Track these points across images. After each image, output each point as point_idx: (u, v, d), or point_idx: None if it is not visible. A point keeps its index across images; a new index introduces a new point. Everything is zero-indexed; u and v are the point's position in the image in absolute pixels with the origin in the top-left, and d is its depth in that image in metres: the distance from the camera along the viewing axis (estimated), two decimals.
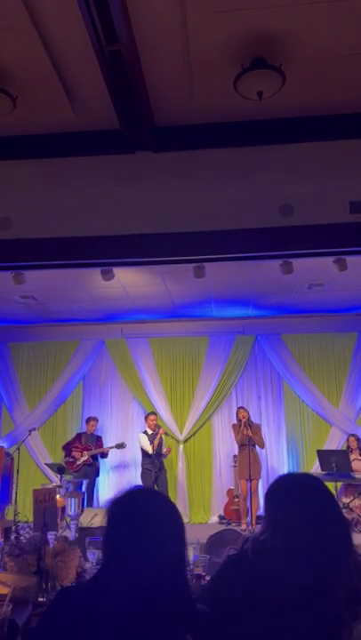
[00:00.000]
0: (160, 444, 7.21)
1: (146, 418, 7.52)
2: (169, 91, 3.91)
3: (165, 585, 1.33)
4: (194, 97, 3.93)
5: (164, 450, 7.21)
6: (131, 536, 1.37)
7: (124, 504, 1.47)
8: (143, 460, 7.21)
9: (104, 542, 1.45)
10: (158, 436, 7.18)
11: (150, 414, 7.53)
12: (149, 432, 7.28)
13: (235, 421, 7.39)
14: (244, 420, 7.06)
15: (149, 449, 7.08)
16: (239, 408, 7.35)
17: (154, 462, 7.02)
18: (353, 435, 7.46)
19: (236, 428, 7.20)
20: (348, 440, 7.47)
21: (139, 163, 4.39)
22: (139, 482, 7.46)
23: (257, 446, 7.04)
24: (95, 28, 3.08)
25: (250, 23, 3.25)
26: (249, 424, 7.07)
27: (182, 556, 1.44)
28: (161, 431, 7.30)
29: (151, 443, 7.11)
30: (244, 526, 6.71)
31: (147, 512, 1.42)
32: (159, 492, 1.55)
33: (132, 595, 1.30)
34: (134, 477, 8.04)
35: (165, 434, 7.49)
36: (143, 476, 7.15)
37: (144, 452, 7.19)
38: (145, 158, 4.38)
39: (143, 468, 7.17)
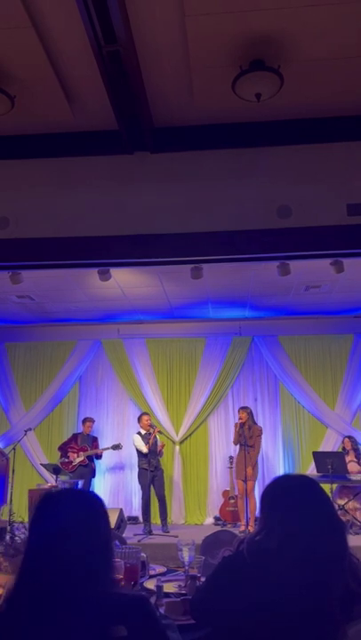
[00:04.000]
0: (155, 442, 7.20)
1: (139, 419, 7.49)
2: (167, 91, 3.92)
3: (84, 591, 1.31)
4: (192, 98, 3.93)
5: (159, 446, 7.18)
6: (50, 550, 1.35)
7: (39, 513, 1.46)
8: (139, 460, 7.20)
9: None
10: (152, 435, 7.17)
11: (143, 414, 7.51)
12: (143, 432, 7.27)
13: (232, 422, 7.36)
14: (240, 421, 7.03)
15: (144, 448, 7.08)
16: (239, 408, 7.30)
17: (150, 462, 7.02)
18: (348, 436, 7.47)
19: (236, 427, 7.18)
20: (343, 442, 7.48)
21: (137, 163, 4.39)
22: (135, 482, 7.47)
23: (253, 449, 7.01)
24: (94, 29, 3.08)
25: (248, 25, 3.25)
26: (249, 425, 7.03)
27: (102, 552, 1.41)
28: (155, 430, 7.29)
29: (146, 443, 7.11)
30: (243, 527, 6.68)
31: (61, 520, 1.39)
32: (76, 493, 1.50)
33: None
34: (130, 478, 8.04)
35: (159, 432, 7.46)
36: (140, 475, 7.14)
37: (139, 452, 7.18)
38: (143, 159, 4.38)
39: (140, 468, 7.16)
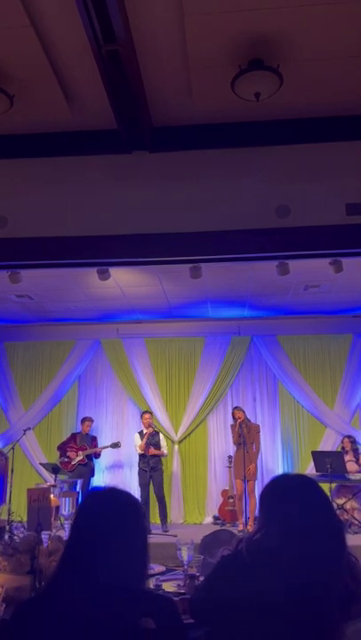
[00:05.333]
0: (153, 443, 7.18)
1: (141, 417, 7.52)
2: (166, 91, 3.91)
3: (123, 586, 1.38)
4: (191, 97, 3.93)
5: (150, 450, 7.13)
6: (91, 542, 1.42)
7: (85, 507, 1.53)
8: (138, 460, 7.22)
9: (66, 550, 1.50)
10: (147, 435, 7.17)
11: (144, 413, 7.53)
12: (144, 431, 7.28)
13: (231, 422, 7.38)
14: (239, 420, 7.06)
15: (138, 448, 7.09)
16: (234, 408, 7.34)
17: (148, 462, 7.03)
18: (348, 436, 7.47)
19: (233, 428, 7.20)
20: (342, 441, 7.48)
21: (135, 163, 4.39)
22: (134, 481, 7.48)
23: (254, 446, 7.03)
24: (93, 28, 3.08)
25: (248, 24, 3.25)
26: (246, 424, 7.05)
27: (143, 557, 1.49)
28: (149, 430, 7.26)
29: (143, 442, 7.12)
30: (241, 527, 6.68)
31: (108, 515, 1.47)
32: (121, 493, 1.57)
33: (90, 598, 1.34)
34: (129, 477, 8.04)
35: (154, 432, 7.36)
36: (138, 475, 7.16)
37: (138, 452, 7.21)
38: (142, 158, 4.38)
39: (138, 468, 7.18)
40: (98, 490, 1.57)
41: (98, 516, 1.46)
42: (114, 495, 1.55)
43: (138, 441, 7.18)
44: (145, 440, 7.13)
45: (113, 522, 1.44)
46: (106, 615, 1.32)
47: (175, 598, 2.10)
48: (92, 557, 1.39)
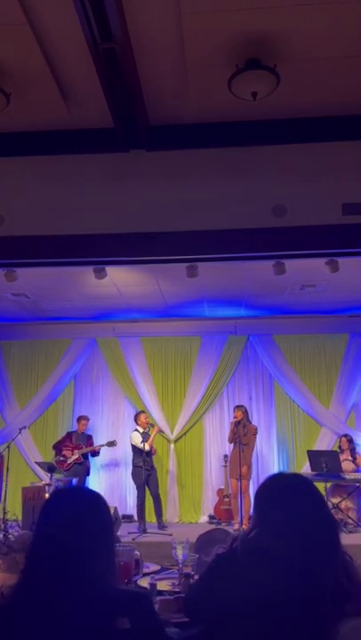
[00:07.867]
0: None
1: (137, 417, 7.52)
2: (163, 90, 3.91)
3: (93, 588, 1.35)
4: (188, 96, 3.93)
5: (153, 449, 7.21)
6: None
7: (50, 507, 1.50)
8: (135, 459, 7.20)
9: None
10: (154, 434, 7.19)
11: (141, 413, 7.54)
12: (141, 430, 7.28)
13: (227, 421, 7.39)
14: (235, 420, 7.06)
15: (142, 446, 7.09)
16: (235, 407, 7.33)
17: (145, 460, 7.03)
18: (345, 435, 7.49)
19: (231, 425, 7.20)
20: (340, 440, 7.49)
21: (132, 161, 4.38)
22: (129, 480, 7.48)
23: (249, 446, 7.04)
24: (90, 26, 3.08)
25: (245, 24, 3.25)
26: (244, 424, 7.05)
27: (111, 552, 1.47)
28: (156, 429, 7.30)
29: (144, 440, 7.11)
30: (236, 526, 6.69)
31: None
32: (84, 490, 1.55)
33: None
34: (124, 476, 8.04)
35: (161, 431, 7.46)
36: (134, 474, 7.15)
37: (136, 450, 7.19)
38: (138, 157, 4.37)
39: (135, 467, 7.17)
40: (58, 490, 1.58)
41: (57, 516, 1.44)
42: (78, 493, 1.55)
43: (139, 439, 7.16)
44: (152, 437, 7.17)
45: (74, 521, 1.42)
46: (80, 617, 1.29)
47: (170, 597, 2.10)
48: (57, 560, 1.35)
